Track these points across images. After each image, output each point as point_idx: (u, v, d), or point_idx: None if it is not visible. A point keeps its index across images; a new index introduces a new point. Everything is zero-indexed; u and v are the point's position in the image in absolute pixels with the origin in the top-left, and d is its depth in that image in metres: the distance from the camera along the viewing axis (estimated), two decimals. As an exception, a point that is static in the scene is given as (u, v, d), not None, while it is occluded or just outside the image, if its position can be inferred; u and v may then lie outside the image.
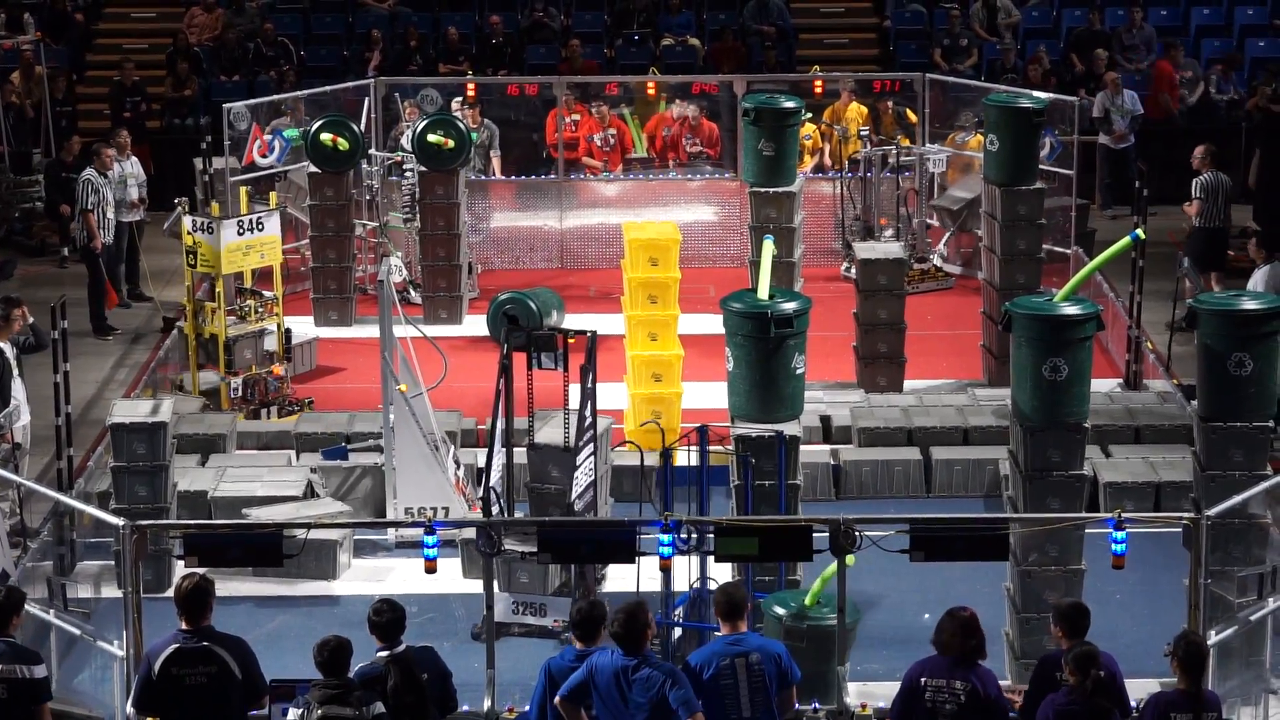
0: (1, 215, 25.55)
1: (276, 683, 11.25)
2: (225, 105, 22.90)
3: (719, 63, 27.88)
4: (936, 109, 23.89)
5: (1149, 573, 14.48)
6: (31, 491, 15.08)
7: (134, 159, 22.77)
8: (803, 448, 13.80)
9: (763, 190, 18.42)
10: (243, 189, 19.76)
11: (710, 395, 17.32)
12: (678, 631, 13.36)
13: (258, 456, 17.33)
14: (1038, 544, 13.07)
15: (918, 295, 21.50)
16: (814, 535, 11.67)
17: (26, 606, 11.69)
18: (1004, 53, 27.69)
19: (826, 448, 17.37)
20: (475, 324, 21.30)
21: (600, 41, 28.67)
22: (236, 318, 18.69)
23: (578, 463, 14.10)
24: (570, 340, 14.28)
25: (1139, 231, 15.02)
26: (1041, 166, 19.79)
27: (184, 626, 10.88)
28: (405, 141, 22.33)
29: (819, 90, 24.34)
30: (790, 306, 13.42)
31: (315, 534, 14.26)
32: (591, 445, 14.20)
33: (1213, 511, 12.40)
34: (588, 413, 14.12)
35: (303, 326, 20.68)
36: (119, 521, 12.14)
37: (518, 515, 14.53)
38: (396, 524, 15.69)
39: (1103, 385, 18.36)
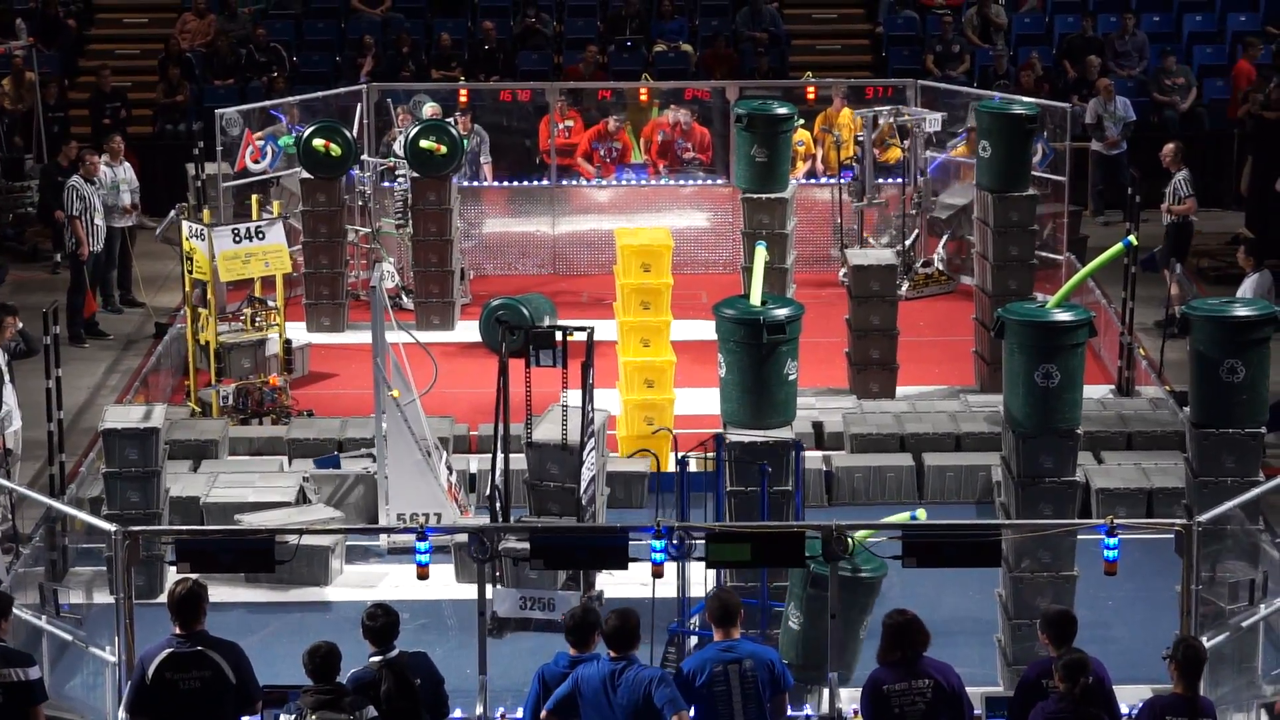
0: (-5, 220, 25.55)
1: (268, 688, 11.21)
2: (217, 111, 22.87)
3: (711, 69, 27.84)
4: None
5: (1141, 579, 14.47)
6: (23, 497, 15.07)
7: (127, 165, 22.70)
8: (795, 454, 13.80)
9: (755, 196, 18.46)
10: (254, 196, 19.68)
11: (703, 401, 17.31)
12: (694, 640, 13.18)
13: (250, 462, 17.32)
14: (1030, 550, 13.07)
15: (921, 300, 21.50)
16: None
17: (17, 612, 11.67)
18: (996, 59, 27.71)
19: (819, 454, 17.37)
20: (468, 330, 21.28)
21: (581, 49, 28.47)
22: (240, 325, 18.63)
23: (584, 458, 14.07)
24: (569, 337, 14.22)
25: (1131, 238, 15.04)
26: (1034, 173, 19.79)
27: (178, 631, 10.85)
28: (398, 147, 22.32)
29: (811, 96, 24.35)
30: (783, 312, 13.40)
31: (307, 540, 14.27)
32: (592, 440, 14.19)
33: (1204, 517, 12.39)
34: (590, 409, 14.07)
35: (295, 332, 20.64)
36: (111, 527, 12.12)
37: (517, 516, 14.50)
38: (389, 530, 15.68)
39: (1095, 391, 18.38)
